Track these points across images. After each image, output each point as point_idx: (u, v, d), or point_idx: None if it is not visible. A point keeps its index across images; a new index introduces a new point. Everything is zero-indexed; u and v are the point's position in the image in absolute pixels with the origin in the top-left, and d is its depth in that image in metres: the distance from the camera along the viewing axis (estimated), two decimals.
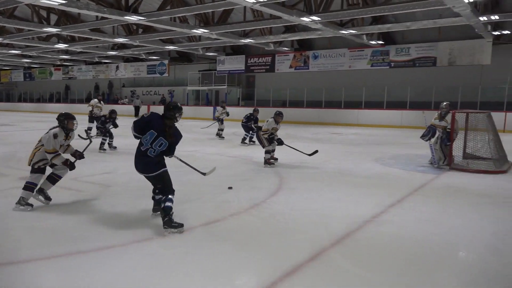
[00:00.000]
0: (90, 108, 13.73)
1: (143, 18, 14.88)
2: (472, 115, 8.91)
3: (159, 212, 4.58)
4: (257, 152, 10.55)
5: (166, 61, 29.39)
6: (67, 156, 5.45)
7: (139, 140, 4.45)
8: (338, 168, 8.39)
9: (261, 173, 7.75)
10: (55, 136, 4.98)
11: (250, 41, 20.09)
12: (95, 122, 12.53)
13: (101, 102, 14.00)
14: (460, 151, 8.97)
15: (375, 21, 17.68)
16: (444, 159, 8.49)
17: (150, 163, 4.43)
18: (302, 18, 14.44)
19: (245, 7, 15.90)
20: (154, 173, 4.45)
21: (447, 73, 20.22)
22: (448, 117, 8.47)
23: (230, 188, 6.28)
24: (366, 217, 4.88)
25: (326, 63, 22.78)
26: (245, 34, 19.80)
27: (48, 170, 5.24)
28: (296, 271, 3.41)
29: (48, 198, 5.28)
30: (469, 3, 11.93)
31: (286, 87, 24.81)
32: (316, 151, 8.97)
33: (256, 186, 6.59)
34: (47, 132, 5.05)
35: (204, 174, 5.30)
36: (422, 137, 8.65)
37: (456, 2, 11.70)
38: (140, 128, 4.40)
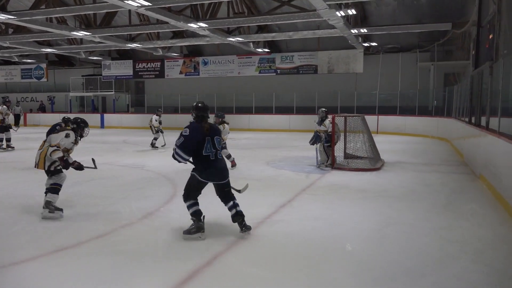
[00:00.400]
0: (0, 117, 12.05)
1: (12, 17, 13.44)
2: (349, 118, 9.81)
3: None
4: (149, 161, 10.23)
5: (43, 65, 26.91)
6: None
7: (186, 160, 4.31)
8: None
9: (154, 182, 7.54)
10: (67, 135, 5.07)
11: (137, 46, 19.43)
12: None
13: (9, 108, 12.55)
14: (342, 152, 9.82)
15: (260, 29, 18.47)
16: (327, 160, 9.18)
17: (225, 168, 4.41)
18: (189, 24, 14.43)
19: (130, 10, 15.36)
20: (228, 179, 4.41)
21: (327, 80, 21.94)
22: (327, 122, 9.22)
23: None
24: (259, 219, 5.04)
25: (216, 69, 23.07)
26: (132, 38, 19.09)
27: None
28: (192, 277, 3.38)
29: (60, 209, 5.00)
30: (342, 16, 13.13)
31: (177, 93, 24.51)
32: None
33: (149, 195, 6.39)
34: (56, 133, 4.98)
35: (239, 191, 4.68)
36: (310, 142, 9.42)
37: (331, 15, 12.78)
38: (190, 149, 4.23)
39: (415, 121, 18.37)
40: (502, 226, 4.79)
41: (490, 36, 9.15)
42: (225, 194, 4.47)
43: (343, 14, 12.96)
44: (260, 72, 22.31)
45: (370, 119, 13.97)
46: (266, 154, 11.68)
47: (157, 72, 24.37)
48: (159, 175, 8.15)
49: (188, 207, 4.41)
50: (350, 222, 4.96)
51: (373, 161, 9.30)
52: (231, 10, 15.96)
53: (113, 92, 26.10)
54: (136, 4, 11.75)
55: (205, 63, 23.23)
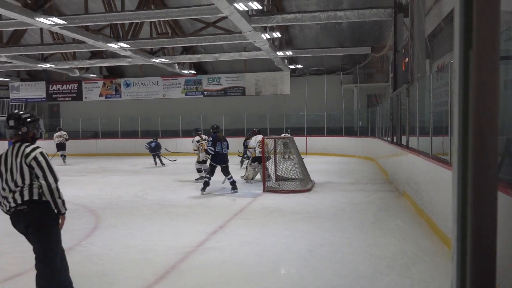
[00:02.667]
0: None
1: None
2: (279, 140, 10.11)
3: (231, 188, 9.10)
4: (67, 190, 9.67)
5: None
6: None
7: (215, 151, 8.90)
8: (158, 200, 8.35)
9: (72, 213, 7.12)
10: None
11: (51, 66, 18.51)
12: None
13: None
14: (273, 174, 10.08)
15: (185, 51, 18.54)
16: (253, 176, 10.48)
17: (226, 157, 9.15)
18: (109, 44, 14.11)
19: (42, 28, 14.68)
20: (227, 163, 9.12)
21: (255, 101, 22.45)
22: (252, 139, 10.59)
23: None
24: (190, 247, 4.97)
25: (139, 91, 22.61)
26: (44, 58, 18.17)
27: None
28: None
29: None
30: (267, 39, 13.66)
31: (97, 117, 23.56)
32: None
33: (68, 228, 5.99)
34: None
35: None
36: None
37: (256, 38, 13.24)
38: (215, 145, 8.92)
39: (342, 141, 19.35)
40: (426, 240, 5.18)
41: (406, 60, 10.04)
42: (225, 170, 9.14)
43: (268, 36, 13.48)
44: (186, 94, 22.25)
45: (299, 140, 14.48)
46: (194, 178, 11.56)
47: (74, 95, 23.31)
48: (78, 206, 7.74)
49: (207, 178, 9.02)
50: (283, 245, 5.07)
51: (303, 183, 9.62)
52: (154, 30, 15.87)
53: None
54: (49, 23, 11.28)
55: (128, 85, 22.69)
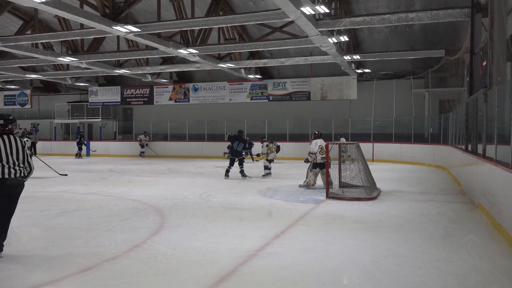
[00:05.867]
0: None
1: None
2: (344, 146, 9.89)
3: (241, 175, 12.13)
4: (137, 190, 10.16)
5: (28, 91, 26.95)
6: None
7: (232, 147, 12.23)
8: (222, 202, 8.48)
9: (140, 212, 7.45)
10: None
11: (125, 72, 19.62)
12: None
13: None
14: (337, 180, 9.84)
15: (252, 55, 18.78)
16: (313, 183, 10.29)
17: (238, 153, 12.24)
18: (179, 50, 14.65)
19: (118, 36, 15.57)
20: (241, 156, 12.36)
21: (320, 106, 22.20)
22: (312, 143, 10.34)
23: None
24: (251, 251, 4.99)
25: (206, 95, 23.27)
26: (120, 64, 19.29)
27: None
28: None
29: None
30: (334, 43, 13.43)
31: (166, 120, 24.59)
32: (66, 174, 12.88)
33: (135, 226, 6.31)
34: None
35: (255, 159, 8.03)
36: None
37: (323, 42, 13.08)
38: (231, 142, 12.24)
39: (411, 148, 18.55)
40: (503, 258, 4.78)
41: (484, 63, 9.39)
42: (239, 162, 12.41)
43: (335, 40, 13.27)
44: (252, 99, 22.53)
45: (365, 147, 14.09)
46: (258, 182, 11.65)
47: (146, 99, 24.51)
48: (146, 205, 8.07)
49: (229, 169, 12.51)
50: (345, 254, 4.92)
51: (369, 190, 9.31)
52: (222, 36, 16.26)
53: (100, 119, 26.11)
54: (124, 30, 11.94)
55: (196, 89, 23.44)
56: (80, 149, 22.41)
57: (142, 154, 22.99)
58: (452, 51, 15.20)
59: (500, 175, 5.83)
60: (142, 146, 23.01)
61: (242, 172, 12.43)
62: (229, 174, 12.47)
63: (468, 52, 11.01)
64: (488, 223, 6.49)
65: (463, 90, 14.82)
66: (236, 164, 12.51)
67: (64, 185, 10.95)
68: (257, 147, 15.69)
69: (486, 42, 9.05)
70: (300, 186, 10.54)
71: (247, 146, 12.39)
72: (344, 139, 17.42)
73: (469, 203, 8.40)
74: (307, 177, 10.43)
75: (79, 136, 22.90)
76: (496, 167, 6.15)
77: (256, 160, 18.34)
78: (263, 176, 13.03)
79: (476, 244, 5.41)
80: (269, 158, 13.76)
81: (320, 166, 10.07)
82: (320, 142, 10.18)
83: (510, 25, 9.26)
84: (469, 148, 9.65)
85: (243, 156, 12.58)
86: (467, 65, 12.12)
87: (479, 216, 7.07)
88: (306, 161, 10.49)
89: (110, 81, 25.74)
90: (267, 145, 14.71)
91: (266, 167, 13.32)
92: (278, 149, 15.34)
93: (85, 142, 23.01)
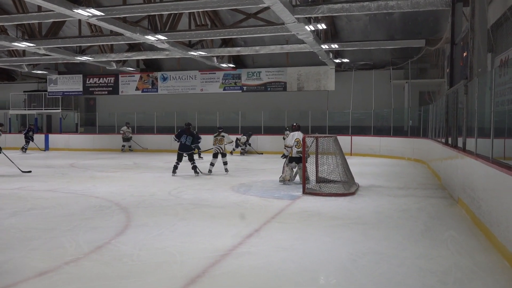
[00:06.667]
0: None
1: None
2: (321, 139, 9.95)
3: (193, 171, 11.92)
4: (100, 187, 9.96)
5: None
6: None
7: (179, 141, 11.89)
8: (193, 199, 8.42)
9: (104, 210, 7.31)
10: None
11: (88, 59, 19.16)
12: None
13: None
14: (313, 175, 9.91)
15: (225, 43, 18.65)
16: (290, 178, 10.30)
17: (188, 147, 11.85)
18: (146, 37, 14.40)
19: (80, 20, 15.17)
20: (190, 151, 12.03)
21: (297, 98, 22.29)
22: (288, 136, 10.45)
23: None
24: (223, 251, 4.96)
25: (176, 85, 23.02)
26: (82, 51, 18.82)
27: None
28: None
29: None
30: (311, 31, 13.47)
31: (133, 111, 24.19)
32: (30, 171, 12.39)
33: (98, 226, 6.18)
34: None
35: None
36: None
37: (300, 30, 13.10)
38: (179, 136, 11.96)
39: (390, 142, 18.87)
40: (483, 254, 4.92)
41: (465, 54, 9.61)
42: (189, 159, 11.99)
43: (313, 28, 13.31)
44: (224, 89, 22.43)
45: (343, 140, 14.24)
46: (231, 178, 11.62)
47: (111, 88, 24.06)
48: (111, 203, 7.93)
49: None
50: (322, 253, 4.96)
51: (347, 185, 9.42)
52: (192, 22, 16.06)
53: (60, 110, 25.46)
54: (87, 14, 11.64)
55: (164, 79, 23.15)
56: (27, 142, 21.35)
57: (124, 149, 22.01)
58: (433, 41, 15.49)
59: (480, 169, 5.98)
60: (125, 139, 21.91)
61: (195, 168, 12.03)
62: (176, 171, 12.02)
63: (449, 42, 11.25)
64: (468, 218, 6.66)
65: (444, 82, 15.16)
66: (185, 159, 12.12)
67: (20, 182, 10.63)
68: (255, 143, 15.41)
69: (467, 32, 9.25)
70: (280, 181, 10.49)
71: (196, 140, 12.28)
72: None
73: (448, 198, 8.61)
74: (283, 172, 10.45)
75: (28, 128, 21.90)
76: (476, 160, 6.30)
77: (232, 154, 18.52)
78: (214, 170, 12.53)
79: (455, 240, 5.54)
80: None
81: (296, 160, 10.10)
82: (297, 135, 10.18)
83: (491, 15, 9.49)
84: (449, 142, 9.88)
85: (192, 150, 12.44)
86: (448, 56, 12.39)
87: (459, 211, 7.25)
88: (283, 156, 10.49)
89: (71, 69, 25.10)
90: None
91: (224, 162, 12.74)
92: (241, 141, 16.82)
93: (33, 136, 21.93)
